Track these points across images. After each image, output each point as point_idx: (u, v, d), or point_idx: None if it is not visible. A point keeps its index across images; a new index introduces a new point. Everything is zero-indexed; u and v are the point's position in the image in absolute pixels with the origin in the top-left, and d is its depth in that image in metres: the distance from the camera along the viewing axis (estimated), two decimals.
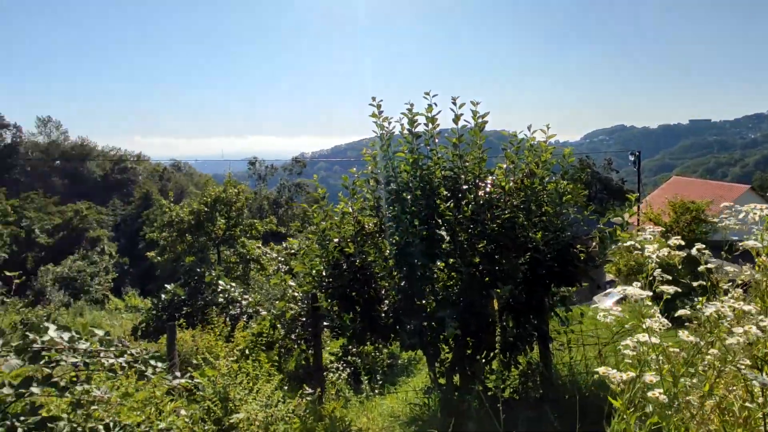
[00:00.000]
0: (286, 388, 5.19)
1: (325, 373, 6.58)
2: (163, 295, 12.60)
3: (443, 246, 4.54)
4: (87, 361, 2.50)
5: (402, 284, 4.55)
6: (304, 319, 9.16)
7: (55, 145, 62.70)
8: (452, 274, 4.60)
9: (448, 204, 4.65)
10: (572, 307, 4.88)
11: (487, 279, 4.49)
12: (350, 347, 8.73)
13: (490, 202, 4.63)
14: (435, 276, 4.61)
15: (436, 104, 4.91)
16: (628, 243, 2.73)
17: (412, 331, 4.38)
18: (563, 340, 4.93)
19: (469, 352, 4.74)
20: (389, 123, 5.04)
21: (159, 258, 19.24)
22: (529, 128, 4.91)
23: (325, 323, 5.55)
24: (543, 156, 4.80)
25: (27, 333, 2.39)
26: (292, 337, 9.56)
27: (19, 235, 41.28)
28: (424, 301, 4.57)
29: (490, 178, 4.83)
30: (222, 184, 20.62)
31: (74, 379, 2.60)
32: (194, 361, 6.41)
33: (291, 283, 9.85)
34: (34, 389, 2.23)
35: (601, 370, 1.74)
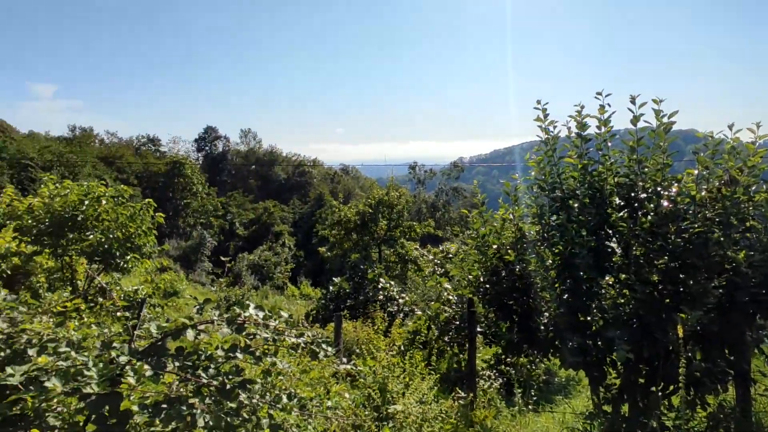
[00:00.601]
0: (437, 388, 5.30)
1: (477, 380, 6.53)
2: (330, 287, 13.88)
3: (614, 259, 4.15)
4: (275, 337, 2.93)
5: (564, 297, 4.28)
6: (458, 322, 9.23)
7: (252, 152, 74.25)
8: (624, 291, 4.16)
9: (621, 214, 4.23)
10: None
11: (667, 301, 3.96)
12: (504, 357, 8.49)
13: (675, 214, 4.05)
14: (603, 291, 4.24)
15: (609, 105, 4.52)
16: None
17: (574, 349, 4.09)
18: None
19: (642, 381, 4.23)
20: (554, 127, 4.80)
21: (328, 253, 21.29)
22: (730, 127, 4.16)
23: (478, 329, 5.52)
24: (750, 160, 4.02)
25: (233, 308, 2.90)
26: (446, 339, 9.70)
27: (224, 227, 49.96)
28: (589, 318, 4.23)
29: (675, 185, 4.22)
30: (384, 188, 21.91)
31: (266, 351, 3.07)
32: (357, 350, 6.94)
33: (447, 285, 10.02)
34: (239, 355, 2.69)
35: None
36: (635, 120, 4.31)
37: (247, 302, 2.97)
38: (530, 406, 7.13)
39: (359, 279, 13.80)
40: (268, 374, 2.99)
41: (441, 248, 19.56)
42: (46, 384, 2.00)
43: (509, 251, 4.77)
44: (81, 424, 2.12)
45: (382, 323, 9.14)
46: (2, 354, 2.30)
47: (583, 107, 4.62)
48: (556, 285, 4.39)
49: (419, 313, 11.90)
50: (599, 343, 4.02)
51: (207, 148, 69.91)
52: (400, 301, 13.19)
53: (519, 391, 7.24)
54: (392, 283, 14.14)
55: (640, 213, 4.18)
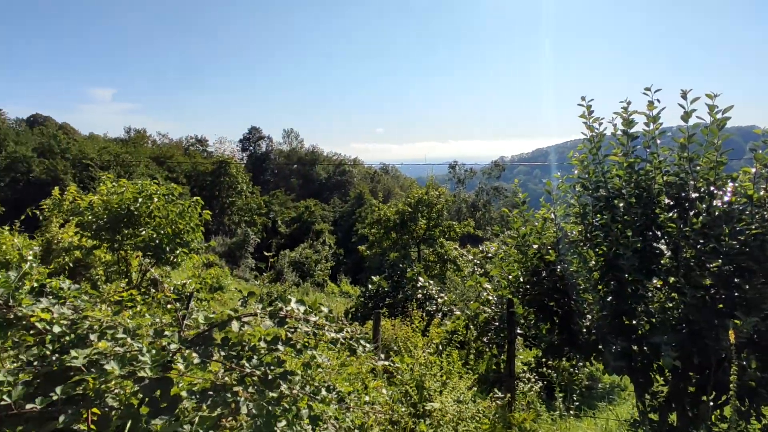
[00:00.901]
0: (475, 388, 5.27)
1: (516, 382, 6.43)
2: (369, 285, 14.01)
3: (662, 261, 3.99)
4: (315, 331, 3.01)
5: (608, 299, 4.15)
6: (497, 323, 9.10)
7: (294, 151, 75.82)
8: (672, 294, 4.00)
9: (670, 214, 4.06)
10: None
11: (720, 306, 3.77)
12: (544, 359, 8.32)
13: (730, 214, 3.84)
14: (649, 294, 4.09)
15: (658, 101, 4.35)
16: None
17: (618, 353, 3.96)
18: None
19: (691, 389, 4.05)
20: (599, 124, 4.66)
21: (368, 252, 21.47)
22: None
23: (518, 331, 5.43)
24: None
25: (276, 302, 3.00)
26: (484, 339, 9.60)
27: (267, 225, 51.33)
28: (634, 322, 4.09)
29: (730, 185, 4.01)
30: (424, 187, 21.87)
31: (306, 344, 3.16)
32: (394, 348, 6.99)
33: (486, 285, 9.90)
34: (280, 347, 2.79)
35: None
36: (686, 116, 4.12)
37: (290, 297, 3.07)
38: (571, 411, 6.96)
39: (398, 277, 13.85)
40: (308, 367, 3.08)
41: (481, 248, 19.33)
42: (106, 367, 2.15)
43: (550, 251, 4.67)
44: (135, 406, 2.26)
45: (421, 322, 9.16)
46: (67, 338, 2.49)
47: (629, 103, 4.47)
48: (600, 287, 4.27)
49: (458, 313, 11.82)
50: (645, 348, 3.88)
51: (251, 148, 72.03)
52: (439, 300, 13.13)
53: (560, 395, 7.07)
54: (431, 282, 14.09)
55: (691, 213, 3.99)
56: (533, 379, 7.86)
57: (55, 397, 2.08)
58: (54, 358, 2.35)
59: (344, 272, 38.61)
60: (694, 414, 4.01)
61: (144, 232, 9.22)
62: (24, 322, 2.60)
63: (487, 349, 9.47)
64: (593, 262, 4.33)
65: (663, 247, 4.04)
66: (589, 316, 4.43)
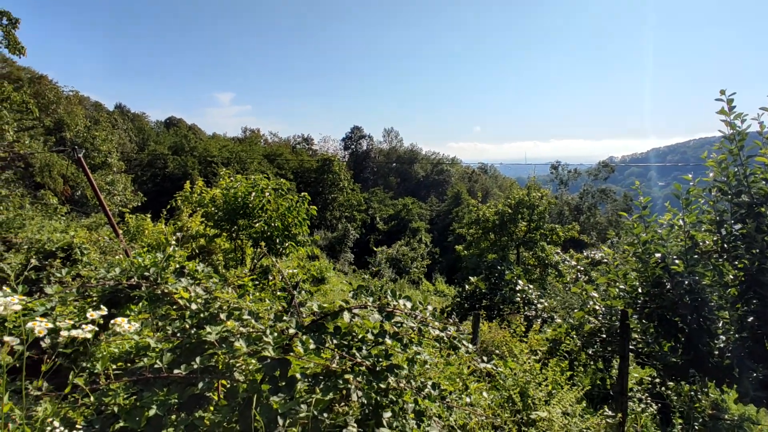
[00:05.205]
0: (584, 403, 4.95)
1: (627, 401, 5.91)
2: (466, 286, 13.81)
3: None
4: (420, 327, 3.04)
5: (749, 320, 3.65)
6: (604, 335, 8.44)
7: (394, 150, 77.16)
8: None
9: None
10: None
11: None
12: (660, 380, 7.55)
13: None
14: None
15: None
16: None
17: (758, 381, 3.47)
18: None
19: None
20: (742, 121, 4.10)
21: (465, 252, 21.16)
22: None
23: (630, 346, 4.99)
24: None
25: (387, 296, 3.08)
26: (589, 352, 8.95)
27: (366, 221, 52.91)
28: None
29: None
30: (524, 188, 20.99)
31: (411, 339, 3.20)
32: (495, 351, 6.83)
33: (593, 294, 9.24)
34: (387, 340, 2.86)
35: None
36: None
37: (389, 292, 3.13)
38: None
39: (496, 279, 13.49)
40: (412, 362, 3.12)
41: (585, 254, 18.05)
42: (235, 344, 2.38)
43: (677, 261, 4.21)
44: (258, 381, 2.47)
45: (519, 327, 8.81)
46: (202, 315, 2.80)
47: None
48: (738, 305, 3.76)
49: (559, 320, 11.20)
50: None
51: (353, 146, 74.68)
52: (539, 305, 12.53)
53: (679, 422, 6.38)
54: (531, 286, 13.50)
55: None
56: (644, 400, 7.17)
57: (195, 366, 2.35)
58: (192, 331, 2.65)
59: (439, 271, 38.48)
60: None
61: (257, 224, 10.04)
62: (168, 299, 2.97)
63: (592, 363, 8.84)
64: (731, 277, 3.83)
65: None
66: (723, 337, 3.92)
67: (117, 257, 8.80)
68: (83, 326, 2.02)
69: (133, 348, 2.66)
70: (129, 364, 2.59)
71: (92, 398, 2.10)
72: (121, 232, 10.63)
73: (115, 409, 2.13)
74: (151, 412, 2.11)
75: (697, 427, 6.92)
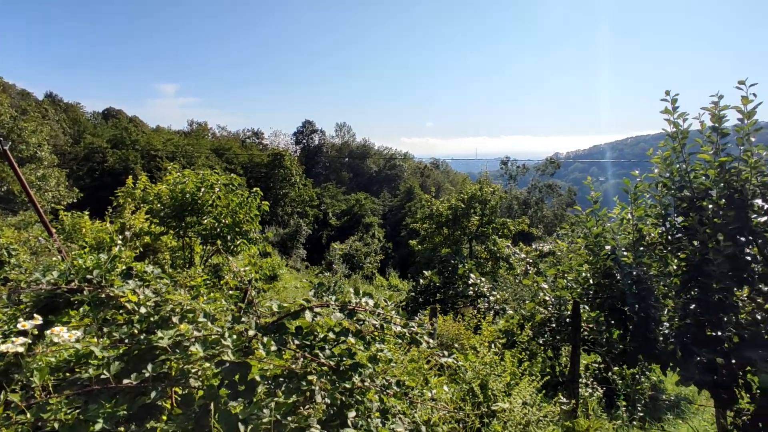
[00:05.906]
0: (543, 392, 5.10)
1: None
2: (421, 280, 13.95)
3: (755, 269, 3.67)
4: (383, 324, 2.99)
5: (691, 307, 3.87)
6: (554, 325, 8.77)
7: (346, 145, 76.67)
8: (766, 306, 3.67)
9: (765, 218, 3.72)
10: None
11: None
12: (605, 365, 7.96)
13: None
14: (739, 304, 3.77)
15: (755, 95, 3.99)
16: None
17: (701, 366, 3.69)
18: None
19: None
20: (684, 120, 4.34)
21: (419, 246, 21.39)
22: None
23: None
24: None
25: (349, 294, 3.00)
26: (539, 341, 9.28)
27: (318, 217, 52.35)
28: (720, 333, 3.79)
29: None
30: (476, 183, 21.48)
31: (374, 337, 3.14)
32: (450, 344, 6.91)
33: (543, 285, 9.57)
34: (350, 338, 2.79)
35: None
36: None
37: (350, 289, 3.06)
38: (635, 422, 6.62)
39: (449, 273, 13.70)
40: (374, 360, 3.06)
41: (534, 246, 18.74)
42: (191, 349, 2.22)
43: (626, 253, 4.40)
44: (216, 387, 2.33)
45: (472, 320, 8.99)
46: (152, 319, 2.61)
47: (721, 97, 4.12)
48: (681, 294, 3.98)
49: (510, 312, 11.54)
50: (733, 362, 3.58)
51: (304, 141, 73.52)
52: (491, 298, 12.87)
53: (623, 404, 6.74)
54: (483, 279, 13.84)
55: None
56: (593, 386, 7.52)
57: (146, 374, 2.18)
58: (142, 337, 2.46)
59: (393, 266, 38.72)
60: None
61: (206, 221, 9.64)
62: (113, 302, 2.74)
63: (542, 352, 9.17)
64: (674, 267, 4.05)
65: (756, 253, 3.71)
66: (667, 324, 4.14)
67: (54, 258, 8.18)
68: (14, 339, 1.81)
69: (72, 356, 2.43)
70: (69, 374, 2.37)
71: (29, 414, 1.89)
72: (54, 231, 9.86)
73: (56, 425, 1.93)
74: (98, 427, 1.93)
75: (639, 408, 7.35)
